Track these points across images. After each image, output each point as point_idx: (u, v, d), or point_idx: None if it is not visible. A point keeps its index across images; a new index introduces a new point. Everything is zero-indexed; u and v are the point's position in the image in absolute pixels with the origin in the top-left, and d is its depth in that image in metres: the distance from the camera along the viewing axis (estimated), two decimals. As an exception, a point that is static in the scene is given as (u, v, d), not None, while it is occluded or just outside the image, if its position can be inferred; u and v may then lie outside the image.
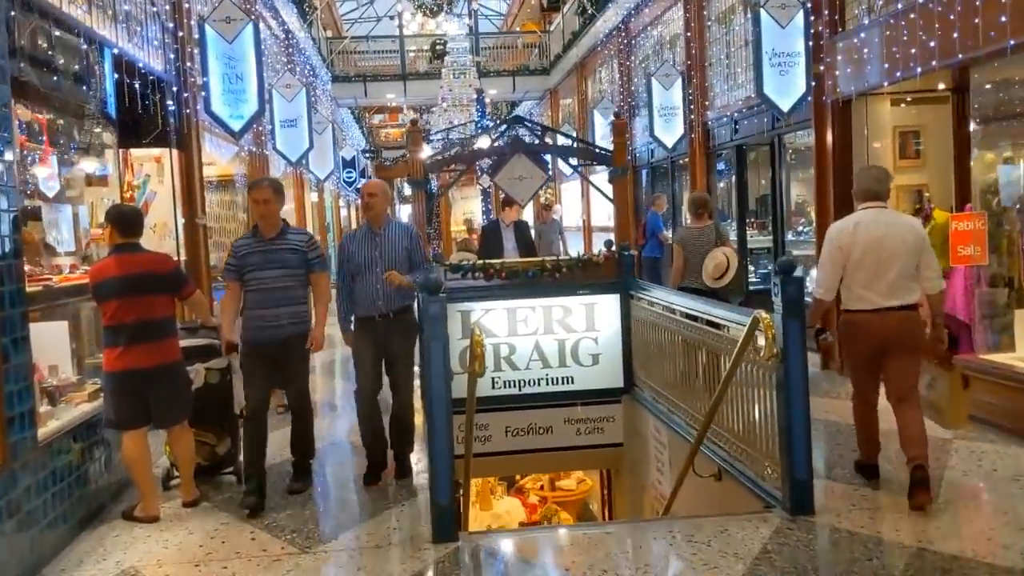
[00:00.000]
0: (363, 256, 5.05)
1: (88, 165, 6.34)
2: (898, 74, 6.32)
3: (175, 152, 7.44)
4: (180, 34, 7.43)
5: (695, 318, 5.61)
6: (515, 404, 6.97)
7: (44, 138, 5.46)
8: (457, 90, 18.34)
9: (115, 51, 6.11)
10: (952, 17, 5.64)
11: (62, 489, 4.22)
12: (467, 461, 5.12)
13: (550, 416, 7.03)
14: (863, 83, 6.98)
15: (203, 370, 5.15)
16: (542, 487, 10.47)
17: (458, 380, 4.42)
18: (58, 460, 4.22)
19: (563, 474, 10.21)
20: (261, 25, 9.54)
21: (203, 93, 7.63)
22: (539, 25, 25.16)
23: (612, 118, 10.55)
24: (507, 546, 4.27)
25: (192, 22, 7.71)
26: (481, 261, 7.40)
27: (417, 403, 5.62)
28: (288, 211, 13.22)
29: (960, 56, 5.63)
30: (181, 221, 7.58)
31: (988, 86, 6.37)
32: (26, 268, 4.41)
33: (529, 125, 9.36)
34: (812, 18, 7.67)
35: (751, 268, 10.44)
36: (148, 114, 6.88)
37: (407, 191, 29.73)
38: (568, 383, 7.01)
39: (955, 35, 5.62)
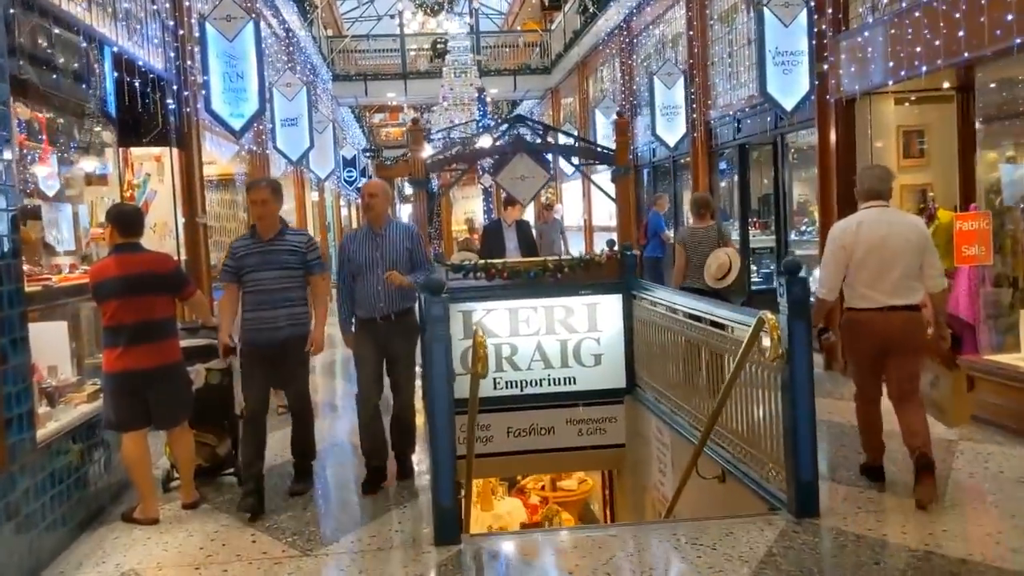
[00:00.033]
0: (364, 257, 4.98)
1: (88, 164, 6.30)
2: (903, 73, 6.29)
3: (175, 151, 7.41)
4: (180, 32, 7.39)
5: (698, 318, 5.58)
6: (517, 405, 6.95)
7: (43, 137, 5.43)
8: (458, 89, 18.33)
9: (115, 49, 6.07)
10: (958, 15, 5.60)
11: (61, 491, 4.19)
12: (469, 462, 5.08)
13: (552, 417, 7.01)
14: (867, 82, 6.95)
15: (203, 370, 5.11)
16: (543, 487, 10.45)
17: (459, 380, 4.38)
18: (57, 462, 4.19)
19: (564, 474, 10.19)
20: (262, 24, 9.50)
21: (203, 92, 7.61)
22: (540, 24, 25.14)
23: (614, 117, 10.49)
24: (510, 549, 4.24)
25: (192, 20, 7.68)
26: (483, 261, 7.36)
27: (418, 403, 5.59)
28: (289, 210, 13.20)
29: (966, 55, 5.59)
30: (181, 220, 7.55)
31: (993, 85, 6.33)
32: (25, 268, 4.38)
33: (531, 124, 9.31)
34: (816, 16, 7.63)
35: (753, 268, 10.40)
36: (148, 113, 6.86)
37: (407, 190, 29.74)
38: (570, 383, 6.98)
39: (961, 33, 5.58)
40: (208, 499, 4.82)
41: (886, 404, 4.58)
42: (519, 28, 27.25)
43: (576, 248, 14.28)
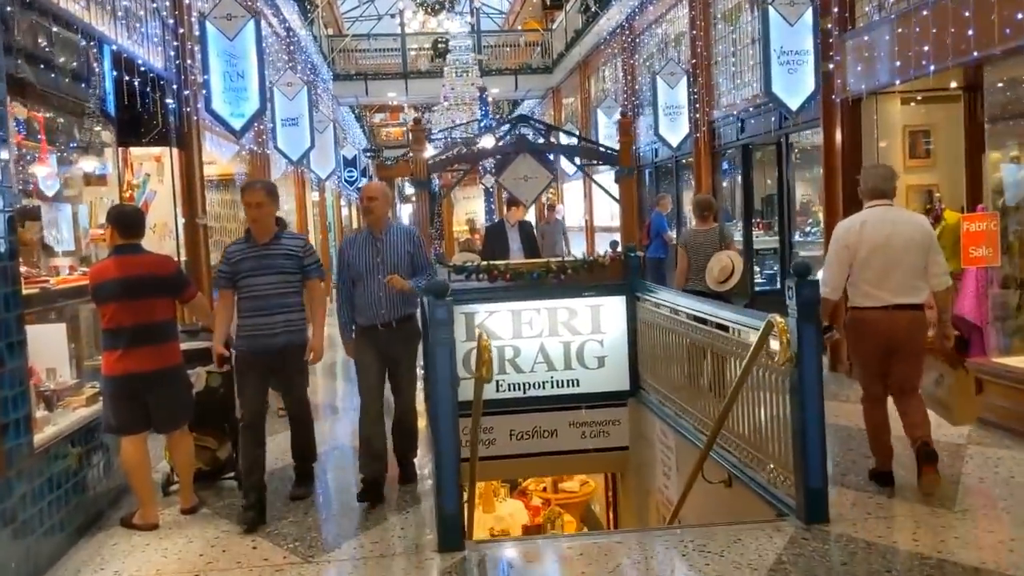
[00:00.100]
0: (364, 263, 4.85)
1: (87, 164, 6.25)
2: (911, 72, 6.22)
3: (175, 151, 7.34)
4: (180, 31, 7.32)
5: (703, 321, 5.52)
6: (520, 407, 6.89)
7: (42, 136, 5.37)
8: (459, 89, 18.26)
9: (114, 48, 6.01)
10: (967, 14, 5.54)
11: (59, 496, 4.13)
12: (472, 468, 5.02)
13: (555, 419, 6.96)
14: (874, 81, 6.88)
15: (204, 373, 5.05)
16: (545, 489, 10.40)
17: (461, 384, 4.31)
18: (55, 466, 4.13)
19: (566, 476, 10.14)
20: (262, 23, 9.43)
21: (204, 91, 7.54)
22: (541, 23, 25.08)
23: (618, 117, 10.44)
24: (514, 556, 4.18)
25: (193, 19, 7.61)
26: (485, 262, 7.31)
27: (419, 406, 5.52)
28: (289, 210, 13.15)
29: (976, 53, 5.52)
30: (181, 221, 7.48)
31: (1000, 84, 6.27)
32: (23, 270, 4.33)
33: (534, 124, 9.25)
34: (821, 15, 7.56)
35: (757, 269, 10.35)
36: (148, 112, 6.78)
37: (408, 190, 29.70)
38: (573, 386, 6.93)
39: (970, 32, 5.52)
40: (208, 504, 4.76)
41: (893, 409, 4.54)
42: (520, 27, 27.19)
43: (578, 249, 14.22)
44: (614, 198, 8.87)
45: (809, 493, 4.03)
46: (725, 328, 5.15)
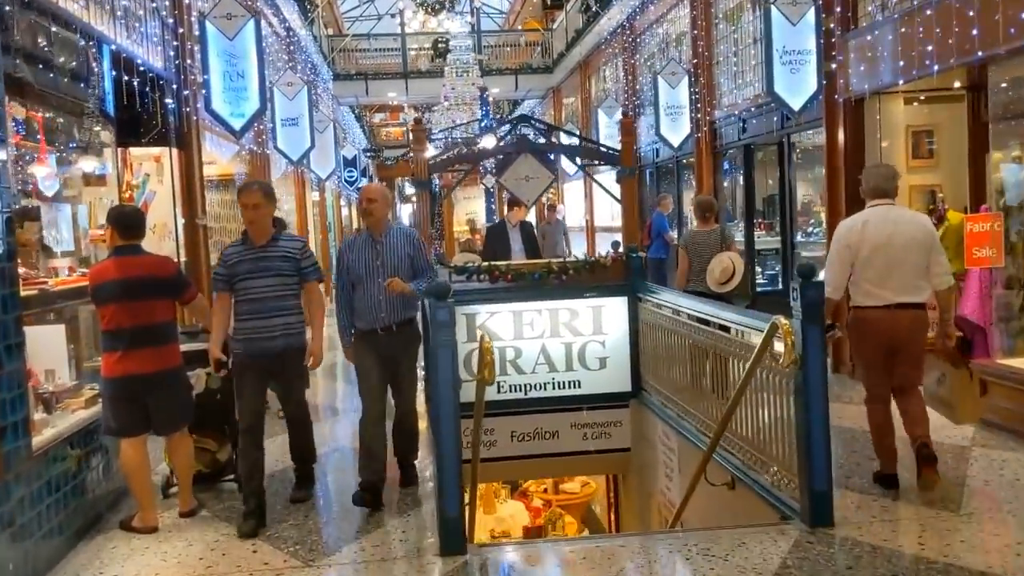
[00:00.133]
0: (363, 266, 4.79)
1: (86, 164, 6.22)
2: (914, 72, 6.19)
3: (175, 151, 7.31)
4: (180, 31, 7.29)
5: (705, 322, 5.49)
6: (521, 408, 6.86)
7: (41, 137, 5.34)
8: (460, 88, 18.23)
9: (114, 48, 5.98)
10: (971, 13, 5.50)
11: (58, 499, 4.09)
12: (474, 470, 4.98)
13: (556, 420, 6.93)
14: (877, 81, 6.85)
15: (204, 375, 5.02)
16: (546, 490, 10.37)
17: (463, 385, 4.28)
18: (54, 469, 4.09)
19: (567, 477, 10.10)
20: (262, 22, 9.40)
21: (204, 91, 7.51)
22: (542, 23, 25.04)
23: (619, 117, 10.42)
24: (516, 559, 4.14)
25: (192, 18, 7.58)
26: (487, 263, 7.27)
27: (420, 407, 5.49)
28: (289, 210, 13.12)
29: (980, 53, 5.49)
30: (181, 221, 7.45)
31: (1004, 84, 6.23)
32: (21, 271, 4.29)
33: (535, 124, 9.23)
34: (824, 15, 7.53)
35: (758, 269, 10.32)
36: (147, 112, 6.75)
37: (408, 191, 29.66)
38: (575, 387, 6.90)
39: (974, 32, 5.48)
40: (208, 506, 4.72)
41: (896, 412, 4.52)
42: (520, 27, 27.16)
43: (579, 249, 14.20)
44: (615, 198, 8.85)
45: (813, 496, 4.00)
46: (727, 329, 5.13)
